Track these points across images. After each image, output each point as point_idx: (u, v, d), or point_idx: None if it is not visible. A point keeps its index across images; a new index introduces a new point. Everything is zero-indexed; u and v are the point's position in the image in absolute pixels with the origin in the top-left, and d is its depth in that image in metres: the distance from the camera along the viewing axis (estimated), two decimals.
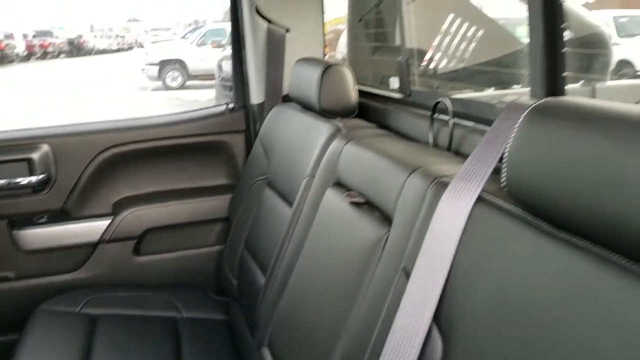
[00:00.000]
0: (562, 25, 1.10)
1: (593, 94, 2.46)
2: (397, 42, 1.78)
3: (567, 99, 0.83)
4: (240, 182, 2.22)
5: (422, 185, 1.14)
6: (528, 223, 0.85)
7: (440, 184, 1.09)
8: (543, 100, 0.83)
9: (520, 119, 0.82)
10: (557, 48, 1.12)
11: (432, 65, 1.91)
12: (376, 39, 2.22)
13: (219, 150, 2.31)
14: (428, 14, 1.80)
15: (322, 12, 2.22)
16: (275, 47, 2.16)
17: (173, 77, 13.27)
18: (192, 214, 2.23)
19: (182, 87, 13.13)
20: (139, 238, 2.18)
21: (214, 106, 2.37)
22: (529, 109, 0.82)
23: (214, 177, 2.32)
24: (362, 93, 1.83)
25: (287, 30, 2.16)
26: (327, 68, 1.72)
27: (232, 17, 2.24)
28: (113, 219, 2.16)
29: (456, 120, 1.39)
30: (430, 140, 1.47)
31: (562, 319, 0.72)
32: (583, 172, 0.70)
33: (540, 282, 0.78)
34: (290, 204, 1.72)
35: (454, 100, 1.42)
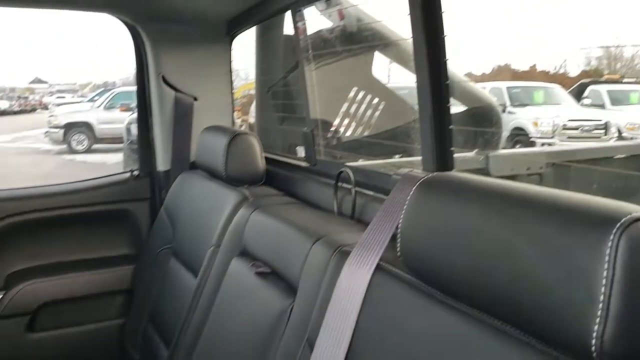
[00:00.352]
0: (448, 105, 1.19)
1: (487, 162, 2.62)
2: (304, 113, 1.84)
3: (454, 174, 0.89)
4: (144, 252, 2.15)
5: (325, 254, 1.16)
6: (422, 291, 0.88)
7: (342, 253, 1.11)
8: (432, 175, 0.88)
9: (411, 192, 0.87)
10: (445, 125, 1.21)
11: (336, 136, 1.98)
12: (284, 109, 2.28)
13: (122, 219, 2.24)
14: (332, 87, 1.89)
15: (231, 81, 2.26)
16: (182, 115, 2.17)
17: (79, 140, 12.85)
18: (93, 286, 2.12)
19: (89, 150, 12.73)
20: (33, 313, 2.04)
21: (118, 173, 2.32)
22: (419, 182, 0.87)
23: (117, 246, 2.24)
24: (269, 161, 1.86)
25: (195, 99, 2.18)
26: (235, 136, 1.74)
27: (138, 84, 2.23)
28: (5, 294, 2.01)
29: (358, 189, 1.44)
30: (335, 208, 1.50)
31: None
32: (467, 244, 0.75)
33: (434, 348, 0.81)
34: (195, 274, 1.69)
35: (355, 170, 1.47)
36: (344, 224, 1.38)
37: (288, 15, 1.88)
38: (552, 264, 0.64)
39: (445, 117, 1.20)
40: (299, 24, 1.71)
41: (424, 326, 0.85)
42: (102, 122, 12.71)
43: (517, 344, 0.71)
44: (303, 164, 1.85)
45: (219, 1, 1.92)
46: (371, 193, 1.44)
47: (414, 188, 0.87)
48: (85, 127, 12.88)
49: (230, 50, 2.22)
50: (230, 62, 2.23)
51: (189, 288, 1.69)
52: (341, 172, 1.48)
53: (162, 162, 2.23)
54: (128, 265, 2.18)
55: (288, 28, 2.20)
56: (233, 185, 1.74)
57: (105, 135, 12.60)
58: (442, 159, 1.22)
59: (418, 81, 1.23)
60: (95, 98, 14.53)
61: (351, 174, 1.44)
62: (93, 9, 2.03)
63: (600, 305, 0.59)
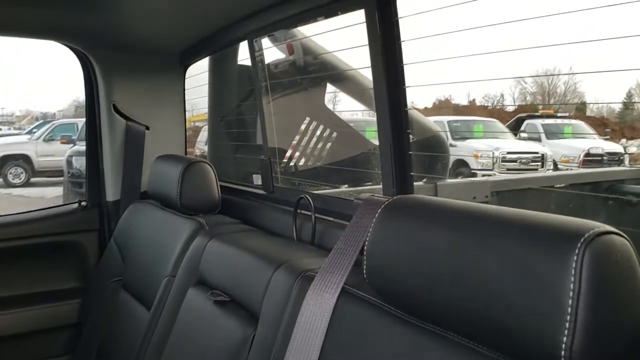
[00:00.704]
0: (408, 131, 1.22)
1: (435, 191, 2.69)
2: (259, 141, 1.85)
3: (416, 196, 0.91)
4: (92, 285, 2.07)
5: (288, 280, 1.15)
6: (388, 313, 0.89)
7: (305, 278, 1.11)
8: (395, 198, 0.90)
9: (376, 215, 0.88)
10: (405, 151, 1.24)
11: (293, 164, 1.99)
12: (238, 138, 2.28)
13: (69, 251, 2.16)
14: (288, 116, 1.91)
15: (184, 111, 2.25)
16: (133, 144, 2.13)
17: (16, 173, 12.35)
18: (38, 322, 2.02)
19: (27, 184, 12.24)
20: None
21: (65, 204, 2.24)
22: (383, 205, 0.89)
23: (63, 280, 2.14)
24: (225, 189, 1.84)
25: (147, 128, 2.15)
26: (190, 164, 1.72)
27: (88, 112, 2.19)
28: None
29: (318, 215, 1.45)
30: (294, 235, 1.50)
31: None
32: (433, 264, 0.77)
33: None
34: (147, 306, 1.64)
35: (315, 197, 1.48)
36: (305, 249, 1.38)
37: (243, 45, 1.90)
38: (519, 279, 0.67)
39: (405, 143, 1.23)
40: (256, 54, 1.73)
41: (391, 348, 0.86)
42: (41, 155, 12.29)
43: None
44: (260, 191, 1.84)
45: (173, 30, 1.92)
46: (331, 219, 1.45)
47: (379, 211, 0.88)
48: (22, 160, 12.40)
49: (183, 79, 2.21)
50: (183, 91, 2.22)
51: (141, 321, 1.64)
52: (300, 198, 1.48)
53: (111, 193, 2.17)
54: (75, 299, 2.09)
55: (242, 57, 2.22)
56: (187, 214, 1.71)
57: (44, 168, 12.16)
58: (402, 184, 1.24)
59: (377, 109, 1.26)
60: (34, 130, 14.05)
61: (311, 201, 1.44)
62: (41, 36, 1.98)
63: (568, 317, 0.62)
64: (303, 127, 1.95)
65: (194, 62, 2.16)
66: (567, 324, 0.62)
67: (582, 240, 0.63)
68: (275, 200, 1.74)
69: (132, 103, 2.13)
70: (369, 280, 0.90)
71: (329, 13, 1.35)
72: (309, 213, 1.45)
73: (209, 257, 1.47)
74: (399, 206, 0.88)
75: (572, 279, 0.62)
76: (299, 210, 1.51)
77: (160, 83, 2.18)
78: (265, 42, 1.73)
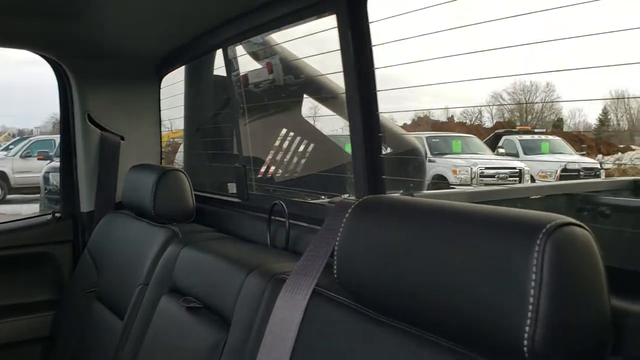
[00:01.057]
0: (379, 134, 1.23)
1: None
2: (235, 150, 1.85)
3: (385, 196, 0.92)
4: (66, 297, 2.03)
5: (260, 284, 1.15)
6: (359, 312, 0.89)
7: (277, 281, 1.11)
8: (364, 198, 0.90)
9: (346, 216, 0.89)
10: (377, 154, 1.25)
11: (269, 174, 1.99)
12: (214, 147, 2.27)
13: (43, 263, 2.12)
14: (263, 125, 1.91)
15: (159, 121, 2.24)
16: (108, 155, 2.12)
17: None
18: (10, 335, 1.97)
19: (2, 200, 12.05)
20: None
21: (39, 215, 2.21)
22: (353, 206, 0.89)
23: (36, 292, 2.10)
24: (200, 198, 1.83)
25: (122, 138, 2.14)
26: (164, 173, 1.71)
27: (62, 122, 2.17)
28: None
29: (292, 221, 1.44)
30: (268, 241, 1.50)
31: None
32: (402, 261, 0.77)
33: None
34: (121, 316, 1.62)
35: (289, 203, 1.48)
36: (278, 254, 1.38)
37: (218, 53, 1.91)
38: (483, 272, 0.67)
39: (376, 146, 1.24)
40: (231, 62, 1.73)
41: (361, 347, 0.86)
42: (18, 171, 12.12)
43: (455, 357, 0.73)
44: (235, 199, 1.84)
45: (147, 39, 1.92)
46: (305, 224, 1.45)
47: (349, 211, 0.89)
48: None
49: (159, 88, 2.21)
50: (159, 100, 2.22)
51: (114, 331, 1.61)
52: (274, 204, 1.48)
53: (85, 203, 2.15)
54: (49, 311, 2.05)
55: (218, 67, 2.22)
56: (162, 223, 1.70)
57: (21, 185, 11.99)
58: (375, 187, 1.25)
59: (349, 113, 1.27)
60: (11, 147, 13.87)
61: (285, 206, 1.44)
62: (13, 45, 1.97)
63: (531, 307, 0.62)
64: (280, 136, 1.95)
65: (170, 72, 2.16)
66: (530, 314, 0.62)
67: (543, 231, 0.63)
68: (250, 208, 1.74)
69: (107, 113, 2.12)
70: (339, 281, 0.90)
71: (301, 19, 1.36)
72: (283, 219, 1.45)
73: (182, 265, 1.46)
74: (368, 206, 0.88)
75: (534, 269, 0.63)
76: (273, 217, 1.50)
77: (136, 93, 2.17)
78: (240, 50, 1.74)
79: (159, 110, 2.22)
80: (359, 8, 1.19)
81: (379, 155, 1.24)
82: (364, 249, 0.84)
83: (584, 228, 0.66)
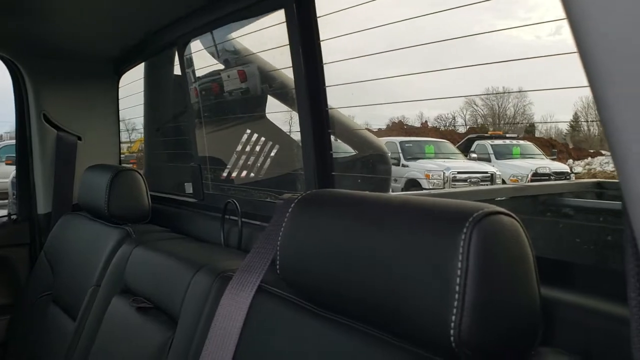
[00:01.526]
0: (329, 130, 1.23)
1: None
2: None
3: (329, 190, 0.91)
4: (22, 301, 1.98)
5: (207, 281, 1.13)
6: (301, 307, 0.88)
7: (223, 279, 1.09)
8: (307, 192, 0.90)
9: (289, 211, 0.88)
10: (326, 151, 1.24)
11: (225, 174, 1.96)
12: (173, 147, 2.24)
13: None
14: (220, 124, 1.89)
15: (118, 120, 2.20)
16: (65, 155, 2.07)
17: None
18: None
19: None
20: None
21: None
22: (296, 201, 0.88)
23: None
24: (156, 199, 1.81)
25: (79, 138, 2.10)
26: (118, 173, 1.69)
27: (18, 123, 2.12)
28: None
29: (245, 219, 1.43)
30: (222, 240, 1.48)
31: None
32: (336, 253, 0.76)
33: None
34: (74, 318, 1.59)
35: (243, 202, 1.46)
36: (230, 253, 1.36)
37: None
38: (415, 262, 0.67)
39: (326, 142, 1.23)
40: (186, 60, 1.71)
41: (303, 341, 0.85)
42: None
43: (390, 349, 0.72)
44: (191, 199, 1.82)
45: (104, 37, 1.89)
46: (258, 223, 1.43)
47: (291, 206, 0.88)
48: None
49: (117, 87, 2.17)
50: (117, 100, 2.18)
51: (67, 333, 1.58)
52: (228, 203, 1.46)
53: (42, 205, 2.10)
54: (3, 315, 1.99)
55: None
56: (116, 224, 1.67)
57: None
58: (324, 183, 1.24)
59: (299, 109, 1.26)
60: None
61: (238, 205, 1.43)
62: None
63: (457, 295, 0.61)
64: (239, 135, 1.93)
65: (128, 70, 2.13)
66: (456, 303, 0.62)
67: (470, 219, 0.63)
68: (205, 208, 1.72)
69: (64, 113, 2.08)
70: (281, 275, 0.89)
71: (252, 15, 1.35)
72: (237, 218, 1.43)
73: (134, 265, 1.43)
74: (309, 200, 0.87)
75: (460, 257, 0.62)
76: (227, 216, 1.48)
77: (93, 92, 2.14)
78: (194, 46, 1.72)
79: (118, 110, 2.19)
80: (307, 3, 1.19)
81: (329, 151, 1.23)
82: (304, 243, 0.83)
83: (513, 217, 0.66)
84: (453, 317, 0.61)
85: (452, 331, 0.62)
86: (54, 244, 1.92)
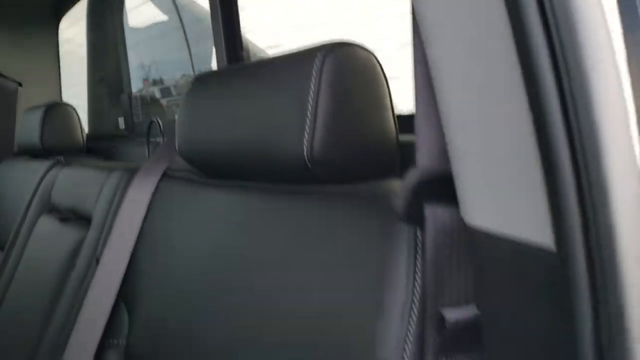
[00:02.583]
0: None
1: None
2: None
3: (216, 70, 0.93)
4: None
5: (118, 178, 1.16)
6: (204, 184, 0.89)
7: (131, 173, 1.11)
8: (200, 73, 0.92)
9: (186, 92, 0.90)
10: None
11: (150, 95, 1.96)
12: (115, 90, 2.23)
13: None
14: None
15: (59, 65, 2.19)
16: (4, 102, 2.07)
17: None
18: None
19: None
20: None
21: None
22: (191, 81, 0.90)
23: None
24: (92, 138, 1.81)
25: (20, 84, 2.09)
26: (50, 107, 1.69)
27: None
28: None
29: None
30: (148, 157, 1.50)
31: (243, 258, 0.73)
32: (224, 120, 0.78)
33: (218, 227, 0.81)
34: (1, 247, 1.61)
35: (166, 122, 1.48)
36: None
37: None
38: (279, 98, 0.69)
39: (235, 16, 1.26)
40: None
41: (206, 212, 0.85)
42: None
43: (267, 195, 0.74)
44: (125, 133, 1.83)
45: None
46: None
47: (189, 88, 0.90)
48: None
49: (57, 31, 2.16)
50: (57, 44, 2.17)
51: None
52: (151, 122, 1.48)
53: None
54: None
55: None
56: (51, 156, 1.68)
57: None
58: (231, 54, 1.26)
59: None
60: None
61: (160, 123, 1.45)
62: None
63: (309, 114, 0.64)
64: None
65: (68, 11, 2.10)
66: (308, 122, 0.64)
67: (325, 48, 0.66)
68: (136, 135, 1.74)
69: (2, 58, 2.07)
70: (180, 152, 0.90)
71: None
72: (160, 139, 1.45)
73: (60, 184, 1.46)
74: (204, 79, 0.89)
75: (314, 80, 0.64)
76: (153, 139, 1.50)
77: (32, 36, 2.12)
78: None
79: (58, 55, 2.18)
80: None
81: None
82: (195, 118, 0.85)
83: (371, 53, 0.69)
84: (306, 134, 0.64)
85: (305, 147, 0.64)
86: None
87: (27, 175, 1.70)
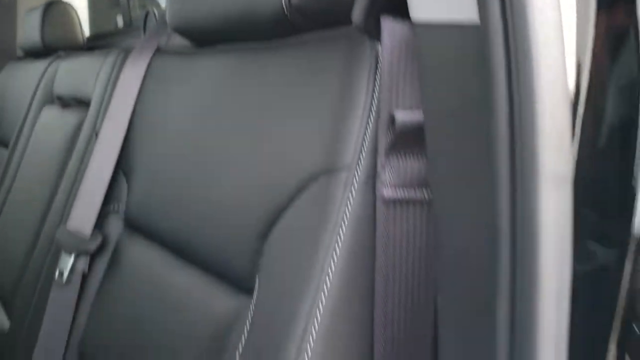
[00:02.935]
0: None
1: None
2: None
3: None
4: None
5: (114, 58, 1.18)
6: (191, 54, 0.90)
7: (127, 52, 1.13)
8: None
9: None
10: None
11: None
12: None
13: None
14: None
15: None
16: (4, 5, 2.06)
17: None
18: None
19: None
20: None
21: None
22: None
23: None
24: (94, 39, 1.81)
25: None
26: (49, 5, 1.69)
27: None
28: None
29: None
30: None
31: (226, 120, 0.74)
32: None
33: (199, 94, 0.82)
34: (7, 145, 1.65)
35: (162, 11, 1.47)
36: None
37: None
38: None
39: None
40: None
41: (195, 79, 0.86)
42: None
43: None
44: (124, 29, 1.83)
45: None
46: None
47: None
48: None
49: None
50: None
51: (2, 161, 1.64)
52: (147, 13, 1.48)
53: None
54: None
55: None
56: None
57: None
58: None
59: None
60: None
61: (156, 13, 1.45)
62: None
63: None
64: None
65: None
66: None
67: None
68: (136, 30, 1.73)
69: None
70: (170, 24, 0.90)
71: None
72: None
73: (61, 75, 1.48)
74: None
75: None
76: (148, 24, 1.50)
77: None
78: None
79: None
80: None
81: None
82: None
83: None
84: None
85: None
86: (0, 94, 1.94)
87: (29, 75, 1.71)
